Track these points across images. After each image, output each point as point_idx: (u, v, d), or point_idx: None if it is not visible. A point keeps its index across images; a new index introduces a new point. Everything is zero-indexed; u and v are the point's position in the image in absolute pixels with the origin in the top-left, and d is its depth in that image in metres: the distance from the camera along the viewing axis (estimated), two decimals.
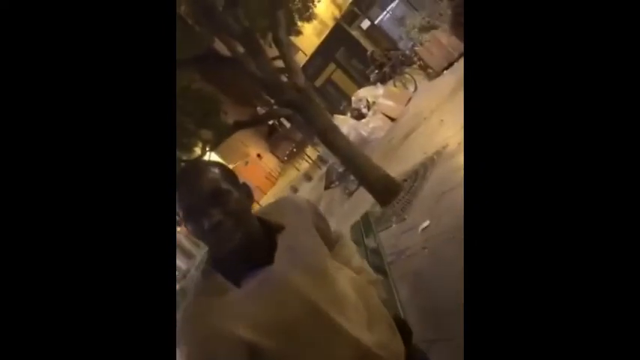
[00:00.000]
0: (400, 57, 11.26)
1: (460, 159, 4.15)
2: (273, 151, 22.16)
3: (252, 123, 7.21)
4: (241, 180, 0.91)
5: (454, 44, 8.23)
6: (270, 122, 15.12)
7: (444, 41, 8.46)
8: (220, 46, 4.75)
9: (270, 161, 21.90)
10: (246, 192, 0.90)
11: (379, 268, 1.58)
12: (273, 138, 21.27)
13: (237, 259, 0.85)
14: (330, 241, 1.02)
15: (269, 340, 0.80)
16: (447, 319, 2.29)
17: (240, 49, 4.61)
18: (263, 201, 13.40)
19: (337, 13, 14.15)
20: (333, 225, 1.08)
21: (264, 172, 20.70)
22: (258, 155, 21.09)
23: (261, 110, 9.86)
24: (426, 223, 3.61)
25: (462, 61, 7.88)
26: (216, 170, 0.87)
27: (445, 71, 8.51)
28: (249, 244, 0.85)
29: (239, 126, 5.86)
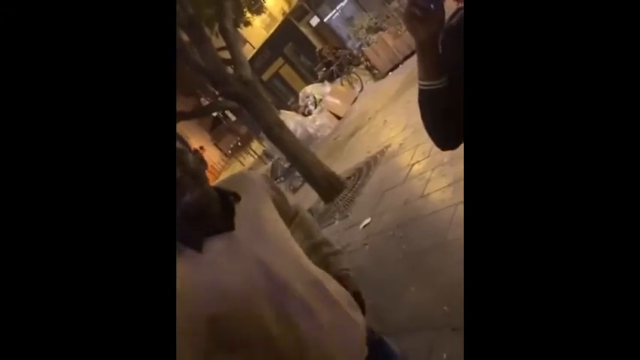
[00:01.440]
0: (348, 56, 11.40)
1: (401, 158, 4.29)
2: (216, 144, 21.59)
3: (196, 114, 6.97)
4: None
5: (399, 47, 8.49)
6: (215, 114, 14.71)
7: (390, 43, 8.70)
8: None
9: (213, 154, 21.30)
10: (199, 158, 0.91)
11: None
12: (216, 131, 20.73)
13: (195, 225, 0.83)
14: (287, 214, 1.03)
15: (229, 307, 0.80)
16: (387, 313, 2.37)
17: (185, 38, 4.43)
18: None
19: (287, 8, 14.03)
20: None
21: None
22: (201, 148, 20.40)
23: (205, 101, 9.56)
24: (367, 220, 3.70)
25: (406, 64, 8.13)
26: None
27: (390, 73, 8.75)
28: (207, 207, 0.85)
29: (181, 117, 5.65)
